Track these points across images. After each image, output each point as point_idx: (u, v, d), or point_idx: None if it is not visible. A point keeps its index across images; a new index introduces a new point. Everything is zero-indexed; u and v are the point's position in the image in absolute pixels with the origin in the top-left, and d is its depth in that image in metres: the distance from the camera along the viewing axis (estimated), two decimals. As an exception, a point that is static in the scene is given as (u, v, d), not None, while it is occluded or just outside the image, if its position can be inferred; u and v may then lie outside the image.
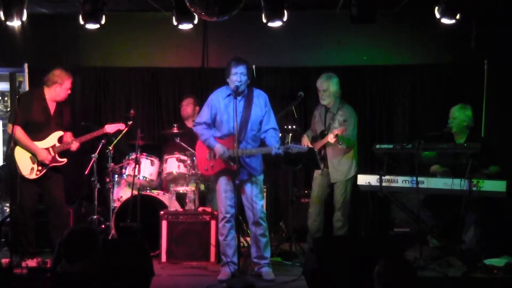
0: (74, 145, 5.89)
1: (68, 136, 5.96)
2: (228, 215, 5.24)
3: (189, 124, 6.81)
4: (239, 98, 5.15)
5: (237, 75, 5.10)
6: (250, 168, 5.21)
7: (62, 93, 5.82)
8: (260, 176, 5.30)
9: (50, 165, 5.78)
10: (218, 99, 5.25)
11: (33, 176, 5.72)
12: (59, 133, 5.87)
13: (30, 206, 5.78)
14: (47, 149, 5.77)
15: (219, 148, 5.15)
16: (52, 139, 5.83)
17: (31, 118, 5.72)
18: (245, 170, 5.19)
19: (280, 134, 5.49)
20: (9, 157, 5.65)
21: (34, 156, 5.72)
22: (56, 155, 5.82)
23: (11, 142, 5.53)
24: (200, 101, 6.96)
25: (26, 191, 5.70)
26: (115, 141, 6.35)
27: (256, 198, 5.23)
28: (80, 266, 3.42)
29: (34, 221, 5.86)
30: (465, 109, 5.92)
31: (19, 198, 5.53)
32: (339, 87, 6.09)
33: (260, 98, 5.25)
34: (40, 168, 5.75)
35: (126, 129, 6.28)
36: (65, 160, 5.88)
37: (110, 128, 6.11)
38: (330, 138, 5.79)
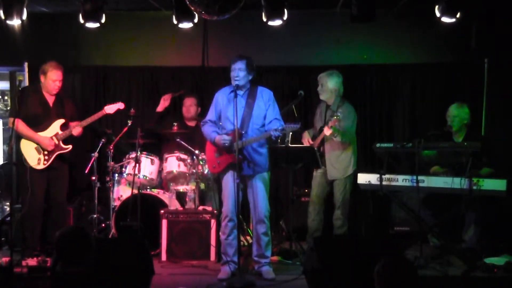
0: (76, 130, 5.92)
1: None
2: (231, 214, 5.23)
3: (189, 122, 6.82)
4: (241, 93, 5.22)
5: (235, 71, 5.17)
6: (255, 164, 5.21)
7: (48, 84, 5.85)
8: (266, 173, 5.29)
9: (56, 153, 5.83)
10: (222, 96, 5.32)
11: (41, 166, 5.81)
12: (61, 121, 5.93)
13: (41, 198, 5.86)
14: (51, 137, 5.82)
15: (219, 138, 5.19)
16: (54, 128, 5.89)
17: (29, 111, 5.80)
18: (251, 166, 5.19)
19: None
20: (13, 152, 5.69)
21: (39, 146, 5.78)
22: (60, 142, 5.88)
23: (11, 138, 5.56)
24: (200, 101, 6.97)
25: (37, 183, 5.80)
26: (116, 140, 6.36)
27: (260, 196, 5.23)
28: (77, 266, 3.42)
29: (42, 217, 5.90)
30: (463, 107, 5.94)
31: (30, 189, 5.61)
32: (340, 86, 6.10)
33: (264, 94, 5.29)
34: (46, 157, 5.81)
35: (126, 128, 6.29)
36: (70, 146, 5.97)
37: (109, 109, 6.14)
38: (326, 130, 5.81)
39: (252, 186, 5.25)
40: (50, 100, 5.92)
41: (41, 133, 5.84)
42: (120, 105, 6.19)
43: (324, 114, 6.17)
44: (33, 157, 5.81)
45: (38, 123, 5.85)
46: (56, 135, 5.88)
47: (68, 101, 6.07)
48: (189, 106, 6.83)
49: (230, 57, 5.28)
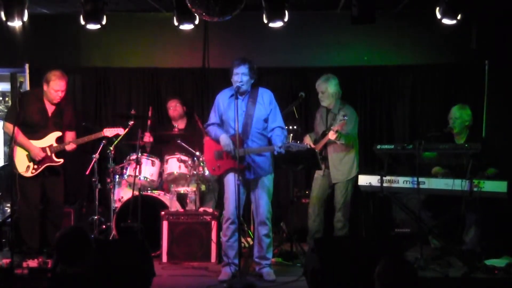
0: (70, 146, 5.91)
1: (70, 136, 5.98)
2: (233, 217, 5.22)
3: (178, 124, 6.86)
4: (242, 97, 5.17)
5: (238, 76, 5.11)
6: (258, 167, 5.20)
7: (50, 94, 5.80)
8: (268, 176, 5.28)
9: (46, 164, 5.82)
10: (223, 99, 5.29)
11: (28, 174, 5.79)
12: (57, 133, 5.90)
13: (36, 202, 5.85)
14: (44, 148, 5.81)
15: (223, 138, 5.16)
16: (50, 139, 5.87)
17: (28, 118, 5.76)
18: (253, 169, 5.18)
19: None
20: (9, 156, 5.68)
21: (29, 154, 5.77)
22: (53, 155, 5.86)
23: (12, 142, 5.56)
24: (201, 102, 6.97)
25: (30, 188, 5.80)
26: (116, 141, 6.36)
27: (263, 198, 5.22)
28: (77, 268, 3.42)
29: (39, 218, 5.90)
30: (465, 108, 5.93)
31: (19, 195, 5.66)
32: (339, 88, 6.11)
33: (264, 96, 5.26)
34: (35, 166, 5.80)
35: (127, 129, 6.29)
36: (61, 160, 5.92)
37: (108, 132, 6.11)
38: (331, 134, 5.81)
39: (255, 188, 5.24)
40: (50, 109, 5.88)
41: (36, 141, 5.81)
42: (119, 131, 6.15)
43: (325, 118, 6.18)
44: (22, 164, 5.77)
45: (35, 131, 5.82)
46: (50, 146, 5.85)
47: (67, 110, 6.01)
48: (175, 106, 6.86)
49: (231, 59, 5.25)
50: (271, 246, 5.36)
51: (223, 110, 5.27)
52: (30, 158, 5.80)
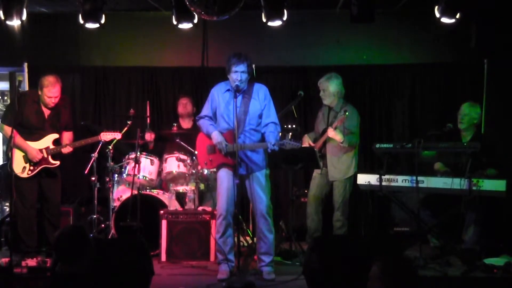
0: (67, 149, 5.92)
1: (67, 137, 5.98)
2: (225, 213, 5.20)
3: (184, 123, 6.85)
4: (238, 93, 5.15)
5: (237, 74, 5.08)
6: (251, 162, 5.18)
7: (44, 99, 5.81)
8: (263, 170, 5.24)
9: (42, 166, 5.83)
10: (218, 93, 5.27)
11: (24, 175, 5.80)
12: (54, 135, 5.91)
13: (32, 202, 5.85)
14: (40, 150, 5.81)
15: (215, 135, 5.15)
16: (47, 141, 5.88)
17: (24, 119, 5.77)
18: (247, 165, 5.16)
19: (280, 134, 5.47)
20: (12, 154, 5.68)
21: (26, 156, 5.76)
22: (49, 157, 5.86)
23: (10, 144, 5.55)
24: (200, 101, 6.96)
25: (27, 187, 5.80)
26: (115, 140, 6.35)
27: (259, 193, 5.19)
28: (76, 267, 3.42)
29: (37, 218, 5.90)
30: (475, 106, 5.93)
31: (15, 195, 5.67)
32: (342, 87, 6.11)
33: (260, 92, 5.24)
34: (32, 168, 5.81)
35: (124, 130, 6.28)
36: (57, 162, 5.94)
37: (105, 136, 6.12)
38: (329, 131, 5.81)
39: (250, 184, 5.21)
40: (46, 111, 5.89)
41: (32, 143, 5.82)
42: (117, 135, 6.18)
43: (327, 116, 6.19)
44: (19, 164, 5.78)
45: (31, 132, 5.83)
46: (46, 148, 5.86)
47: (65, 111, 6.01)
48: (186, 104, 6.85)
49: (231, 53, 5.20)
50: (274, 242, 5.30)
51: (217, 104, 5.25)
52: (27, 159, 5.80)
